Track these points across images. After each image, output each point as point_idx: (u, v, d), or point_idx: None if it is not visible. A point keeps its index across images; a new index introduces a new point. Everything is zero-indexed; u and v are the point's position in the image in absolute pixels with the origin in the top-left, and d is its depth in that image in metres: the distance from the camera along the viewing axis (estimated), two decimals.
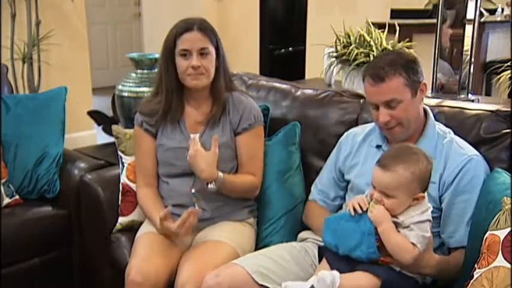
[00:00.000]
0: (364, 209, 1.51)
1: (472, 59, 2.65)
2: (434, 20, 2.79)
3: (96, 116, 3.53)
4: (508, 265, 1.33)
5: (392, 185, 1.47)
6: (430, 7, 4.84)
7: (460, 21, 2.68)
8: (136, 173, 2.04)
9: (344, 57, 2.41)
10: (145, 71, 2.99)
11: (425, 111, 1.74)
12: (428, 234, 1.49)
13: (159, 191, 2.00)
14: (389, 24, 2.61)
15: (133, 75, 3.00)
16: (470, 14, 2.62)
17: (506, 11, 4.70)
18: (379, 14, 4.81)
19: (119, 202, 2.11)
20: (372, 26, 2.47)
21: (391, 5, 5.02)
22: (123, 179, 2.12)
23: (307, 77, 5.14)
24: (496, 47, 4.66)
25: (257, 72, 5.71)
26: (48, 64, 4.04)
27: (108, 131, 3.15)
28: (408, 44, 2.41)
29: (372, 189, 1.53)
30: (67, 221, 2.34)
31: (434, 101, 2.05)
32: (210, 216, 1.92)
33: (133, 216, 2.09)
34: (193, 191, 1.89)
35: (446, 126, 1.76)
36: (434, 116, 1.76)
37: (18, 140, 2.37)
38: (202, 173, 1.81)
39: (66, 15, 4.18)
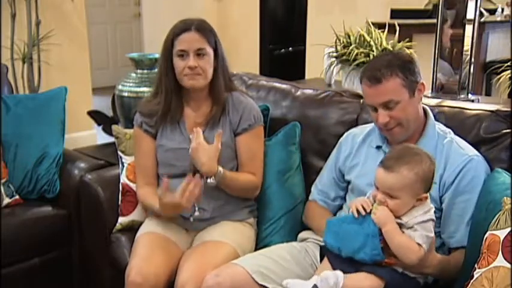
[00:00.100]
0: (368, 210, 1.50)
1: (472, 59, 2.66)
2: (434, 20, 2.79)
3: (96, 116, 3.53)
4: (508, 265, 1.33)
5: (396, 186, 1.47)
6: (430, 7, 4.83)
7: (460, 21, 2.68)
8: (136, 173, 2.04)
9: (344, 57, 2.40)
10: (145, 71, 2.99)
11: (425, 111, 1.74)
12: (432, 234, 1.49)
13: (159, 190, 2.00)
14: (389, 24, 2.60)
15: (133, 75, 3.00)
16: (470, 14, 2.63)
17: (506, 11, 4.69)
18: (379, 14, 4.81)
19: (119, 202, 2.11)
20: (371, 26, 2.46)
21: (391, 5, 5.01)
22: (123, 179, 2.12)
23: (307, 77, 5.14)
24: (496, 47, 4.66)
25: (257, 72, 5.71)
26: (48, 64, 4.04)
27: (108, 131, 3.15)
28: (408, 44, 2.40)
29: (374, 190, 1.52)
30: (67, 221, 2.34)
31: (434, 101, 2.05)
32: (210, 216, 1.92)
33: (133, 216, 2.09)
34: None
35: (447, 126, 1.76)
36: (434, 116, 1.76)
37: (18, 140, 2.37)
38: (203, 166, 1.81)
39: (66, 15, 4.18)
